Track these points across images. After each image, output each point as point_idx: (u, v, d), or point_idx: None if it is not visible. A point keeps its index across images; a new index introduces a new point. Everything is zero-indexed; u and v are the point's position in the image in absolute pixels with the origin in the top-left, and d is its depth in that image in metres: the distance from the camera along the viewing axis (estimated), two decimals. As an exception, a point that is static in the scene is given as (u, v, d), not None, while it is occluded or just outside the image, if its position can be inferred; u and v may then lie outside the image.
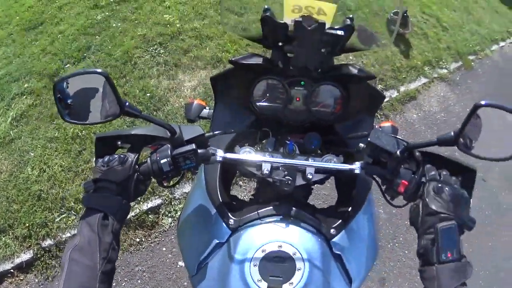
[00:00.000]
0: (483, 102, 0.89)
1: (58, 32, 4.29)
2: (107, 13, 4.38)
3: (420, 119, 4.24)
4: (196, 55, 3.81)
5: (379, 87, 4.25)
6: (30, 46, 4.25)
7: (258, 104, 1.30)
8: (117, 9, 4.44)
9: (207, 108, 1.47)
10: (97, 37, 4.04)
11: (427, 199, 0.91)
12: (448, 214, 0.88)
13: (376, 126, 1.41)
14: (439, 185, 0.92)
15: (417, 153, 0.99)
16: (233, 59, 1.23)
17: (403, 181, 0.97)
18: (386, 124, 1.47)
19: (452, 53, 5.46)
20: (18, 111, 3.38)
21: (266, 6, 1.15)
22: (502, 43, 6.61)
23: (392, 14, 4.79)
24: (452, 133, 0.91)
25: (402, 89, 4.47)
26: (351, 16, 1.16)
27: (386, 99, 4.06)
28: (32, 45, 4.27)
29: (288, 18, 1.16)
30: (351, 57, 4.26)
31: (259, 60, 1.24)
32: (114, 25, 4.17)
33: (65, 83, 0.92)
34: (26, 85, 3.65)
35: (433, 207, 0.90)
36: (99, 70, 0.90)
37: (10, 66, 4.01)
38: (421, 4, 6.21)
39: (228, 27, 1.69)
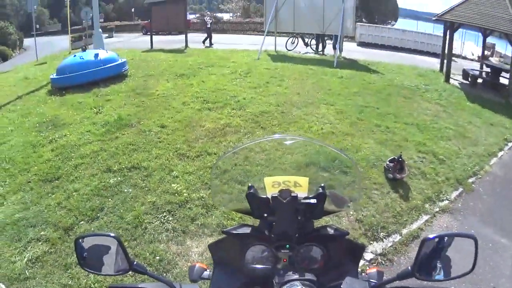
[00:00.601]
0: (430, 236, 1.16)
1: (73, 190, 5.53)
2: (119, 178, 5.72)
3: (425, 255, 5.09)
4: (203, 222, 4.81)
5: (381, 235, 4.90)
6: (46, 197, 5.42)
7: (250, 267, 1.52)
8: (128, 175, 5.79)
9: (208, 270, 1.73)
10: (109, 199, 5.26)
11: None
12: None
13: (363, 274, 1.70)
14: None
15: None
16: (225, 230, 1.54)
17: None
18: (372, 270, 1.71)
19: (452, 183, 6.26)
20: (34, 254, 4.34)
21: (250, 184, 1.48)
22: (500, 153, 7.65)
23: (388, 162, 6.44)
24: (409, 268, 1.18)
25: (404, 231, 5.04)
26: (322, 184, 1.48)
27: (389, 244, 4.79)
28: (49, 197, 5.45)
29: (270, 192, 1.49)
30: (351, 212, 5.03)
31: (248, 230, 1.53)
32: (125, 190, 5.45)
33: (84, 239, 1.35)
34: (42, 233, 4.67)
35: None
36: (112, 234, 1.28)
37: (27, 212, 5.11)
38: (416, 143, 7.37)
39: (219, 204, 2.22)
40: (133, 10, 54.09)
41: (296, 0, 17.01)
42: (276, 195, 1.45)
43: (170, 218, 4.90)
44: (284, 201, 1.43)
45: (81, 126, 7.63)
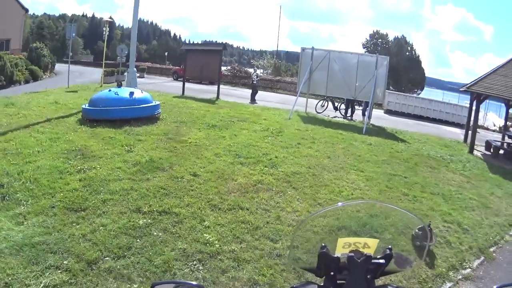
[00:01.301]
0: (494, 287, 1.33)
1: (100, 224, 5.69)
2: (149, 220, 5.89)
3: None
4: (234, 275, 4.93)
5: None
6: (70, 227, 5.58)
7: None
8: (158, 219, 5.96)
9: None
10: (138, 240, 5.39)
11: None
12: None
13: None
14: None
15: None
16: (294, 286, 1.67)
17: None
18: None
19: (474, 252, 6.68)
20: (51, 282, 4.40)
21: (323, 244, 1.65)
22: None
23: (416, 230, 6.48)
24: None
25: (429, 298, 5.39)
26: (390, 246, 1.69)
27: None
28: (73, 226, 5.60)
29: (339, 253, 1.66)
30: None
31: (314, 287, 1.67)
32: (155, 233, 5.59)
33: (162, 286, 1.44)
34: (64, 262, 4.76)
35: None
36: (194, 283, 1.44)
37: (49, 237, 5.24)
38: (442, 213, 7.78)
39: (291, 262, 2.42)
40: (166, 54, 56.99)
41: (330, 64, 18.12)
42: (352, 255, 1.62)
43: (201, 267, 5.00)
44: (359, 261, 1.60)
45: (111, 162, 7.95)
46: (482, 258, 6.59)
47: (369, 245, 1.69)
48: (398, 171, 10.04)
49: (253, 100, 22.19)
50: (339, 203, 2.24)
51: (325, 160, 9.95)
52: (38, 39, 42.32)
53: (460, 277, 5.94)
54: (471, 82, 15.72)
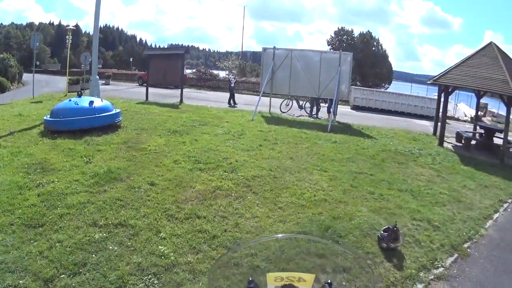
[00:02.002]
0: None
1: (56, 240, 5.47)
2: (105, 234, 5.70)
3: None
4: None
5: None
6: (28, 244, 5.37)
7: None
8: (114, 232, 5.78)
9: None
10: (93, 255, 5.20)
11: None
12: None
13: None
14: None
15: None
16: None
17: None
18: None
19: (447, 249, 6.27)
20: (9, 303, 4.24)
21: (250, 279, 1.51)
22: (496, 215, 7.74)
23: (382, 232, 6.47)
24: None
25: (398, 303, 5.02)
26: (329, 281, 1.52)
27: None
28: (31, 243, 5.39)
29: (272, 286, 1.50)
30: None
31: None
32: (110, 247, 5.41)
33: None
34: (21, 281, 4.57)
35: None
36: None
37: (7, 255, 5.03)
38: (410, 210, 7.36)
39: None
40: (131, 59, 55.84)
41: (293, 63, 17.77)
42: None
43: (156, 281, 4.83)
44: None
45: (70, 174, 7.67)
46: (456, 255, 6.20)
47: (305, 279, 1.52)
48: (364, 168, 9.68)
49: (233, 103, 21.87)
50: (284, 235, 2.06)
51: (287, 161, 9.64)
52: (6, 50, 40.91)
53: (432, 277, 5.57)
54: (438, 75, 15.41)
